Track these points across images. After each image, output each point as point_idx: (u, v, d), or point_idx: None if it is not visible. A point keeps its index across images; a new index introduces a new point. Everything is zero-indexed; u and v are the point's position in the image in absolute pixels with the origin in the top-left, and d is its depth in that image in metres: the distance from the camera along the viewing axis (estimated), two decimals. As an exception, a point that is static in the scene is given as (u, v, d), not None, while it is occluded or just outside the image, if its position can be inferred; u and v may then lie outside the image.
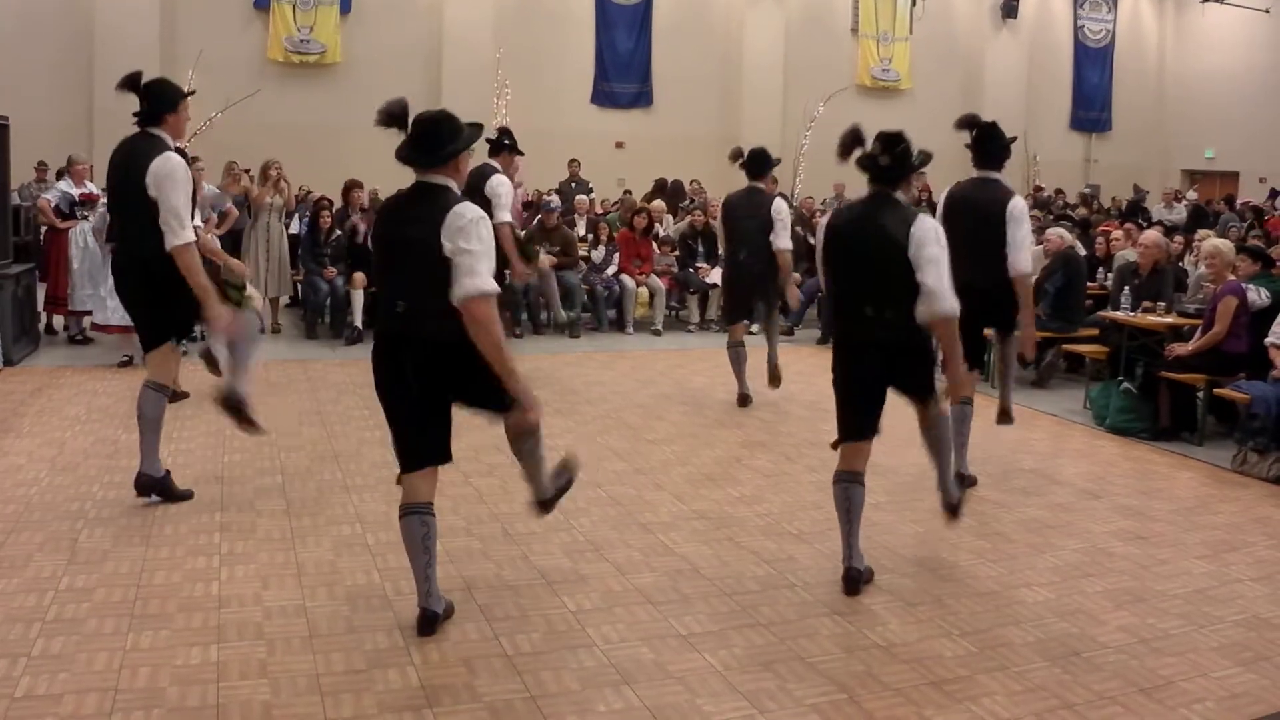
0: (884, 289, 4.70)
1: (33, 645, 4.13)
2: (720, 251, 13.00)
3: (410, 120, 4.22)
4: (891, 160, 4.75)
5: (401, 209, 4.28)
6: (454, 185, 4.24)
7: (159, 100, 5.66)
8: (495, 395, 4.26)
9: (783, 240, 8.37)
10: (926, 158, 4.93)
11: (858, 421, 4.92)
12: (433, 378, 4.21)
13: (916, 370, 4.93)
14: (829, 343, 11.73)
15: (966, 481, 6.46)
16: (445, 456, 4.38)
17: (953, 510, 5.36)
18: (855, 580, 4.95)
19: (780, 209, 8.42)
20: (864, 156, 4.78)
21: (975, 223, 6.12)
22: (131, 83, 5.61)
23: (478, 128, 4.39)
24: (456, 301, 4.03)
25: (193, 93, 5.96)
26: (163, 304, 5.66)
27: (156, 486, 5.82)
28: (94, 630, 4.28)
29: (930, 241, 4.62)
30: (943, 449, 5.20)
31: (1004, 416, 6.84)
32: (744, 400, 8.78)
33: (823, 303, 12.48)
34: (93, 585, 4.72)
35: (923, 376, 4.96)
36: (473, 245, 4.04)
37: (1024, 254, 6.14)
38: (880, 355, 4.79)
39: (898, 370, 4.85)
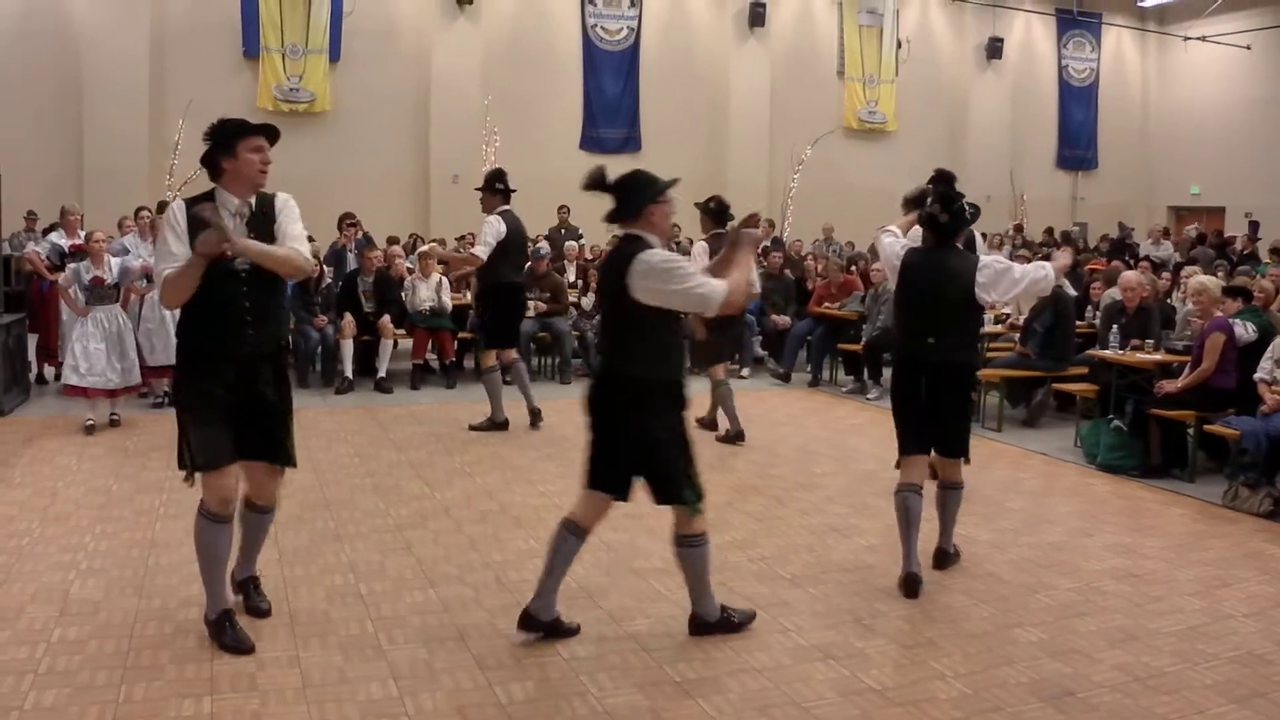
0: (947, 319, 5.54)
1: (25, 698, 4.11)
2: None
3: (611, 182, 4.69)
4: (950, 218, 5.54)
5: (607, 260, 4.88)
6: (645, 235, 4.60)
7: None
8: (666, 477, 4.69)
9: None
10: (977, 212, 5.75)
11: (914, 436, 5.64)
12: (617, 421, 4.63)
13: (958, 391, 5.60)
14: (819, 385, 11.99)
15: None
16: (615, 491, 4.75)
17: (943, 559, 5.90)
18: (915, 584, 5.48)
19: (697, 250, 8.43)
20: (926, 215, 5.61)
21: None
22: None
23: (671, 182, 4.76)
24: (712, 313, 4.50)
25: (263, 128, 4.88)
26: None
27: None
28: (86, 682, 4.26)
29: (994, 260, 5.65)
30: (951, 508, 5.85)
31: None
32: (738, 436, 8.81)
33: (812, 347, 12.51)
34: (85, 637, 4.70)
35: (962, 404, 5.67)
36: (673, 278, 4.39)
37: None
38: (933, 373, 5.53)
39: (944, 385, 5.53)
